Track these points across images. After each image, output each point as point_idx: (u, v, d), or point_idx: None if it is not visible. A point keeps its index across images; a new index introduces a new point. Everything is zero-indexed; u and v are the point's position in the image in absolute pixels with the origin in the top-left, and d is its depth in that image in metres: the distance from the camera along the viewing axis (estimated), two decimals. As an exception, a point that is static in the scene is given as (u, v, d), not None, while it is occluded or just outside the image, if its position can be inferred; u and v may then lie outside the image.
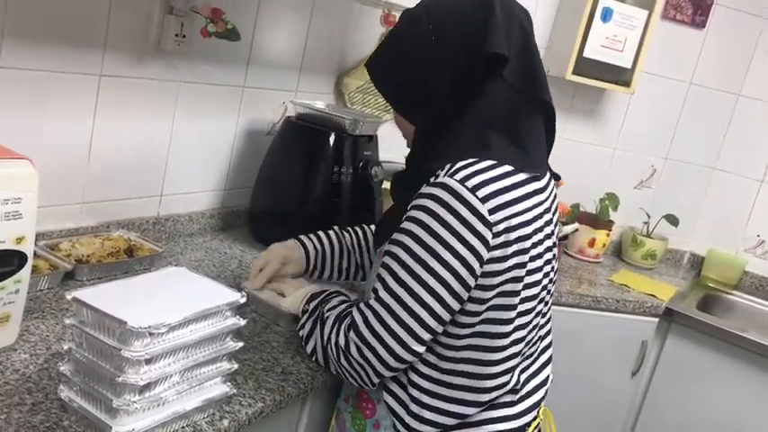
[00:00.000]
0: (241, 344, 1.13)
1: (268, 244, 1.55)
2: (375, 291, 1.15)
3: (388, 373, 1.17)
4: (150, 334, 0.96)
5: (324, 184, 1.84)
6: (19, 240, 1.09)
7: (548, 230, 1.22)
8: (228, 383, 1.14)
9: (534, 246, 1.17)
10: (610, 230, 2.71)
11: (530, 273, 1.17)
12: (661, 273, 2.82)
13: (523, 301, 1.18)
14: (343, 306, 1.27)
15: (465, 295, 1.12)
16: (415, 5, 1.23)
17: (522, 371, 1.27)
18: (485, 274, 1.12)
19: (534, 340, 1.28)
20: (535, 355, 1.31)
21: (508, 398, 1.24)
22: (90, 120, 1.59)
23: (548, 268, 1.24)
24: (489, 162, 1.12)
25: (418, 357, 1.16)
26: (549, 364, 1.36)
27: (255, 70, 1.95)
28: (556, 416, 1.44)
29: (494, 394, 1.21)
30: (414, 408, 1.21)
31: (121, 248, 1.59)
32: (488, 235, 1.09)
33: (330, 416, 1.44)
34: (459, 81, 1.16)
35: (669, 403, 2.46)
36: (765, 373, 2.30)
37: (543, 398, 1.34)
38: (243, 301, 1.11)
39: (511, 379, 1.23)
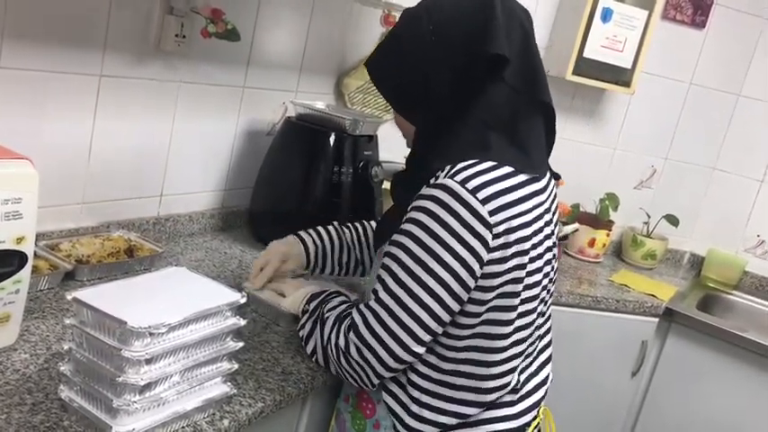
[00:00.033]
0: (241, 344, 1.14)
1: (268, 244, 1.55)
2: (375, 292, 1.15)
3: (387, 374, 1.17)
4: (150, 334, 0.96)
5: (324, 185, 1.84)
6: (19, 240, 1.09)
7: (548, 231, 1.22)
8: (229, 383, 1.14)
9: (534, 247, 1.17)
10: (610, 230, 2.71)
11: (530, 274, 1.17)
12: (661, 273, 2.82)
13: (524, 301, 1.18)
14: (344, 307, 1.27)
15: (465, 296, 1.12)
16: (415, 5, 1.23)
17: (522, 370, 1.27)
18: (484, 276, 1.12)
19: (534, 340, 1.28)
20: (534, 354, 1.31)
21: (508, 397, 1.24)
22: (90, 120, 1.59)
23: (548, 268, 1.25)
24: (490, 163, 1.12)
25: (418, 358, 1.16)
26: (548, 363, 1.36)
27: (255, 70, 1.95)
28: (556, 416, 1.44)
29: (496, 394, 1.21)
30: (414, 408, 1.21)
31: (122, 249, 1.59)
32: (488, 236, 1.09)
33: (330, 416, 1.44)
34: (459, 81, 1.16)
35: (669, 403, 2.46)
36: (765, 373, 2.30)
37: (543, 397, 1.34)
38: (243, 301, 1.11)
39: (512, 379, 1.23)
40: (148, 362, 0.97)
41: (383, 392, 1.24)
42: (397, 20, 1.27)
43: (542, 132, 1.24)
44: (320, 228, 1.56)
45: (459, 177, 1.09)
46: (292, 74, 2.08)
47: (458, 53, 1.16)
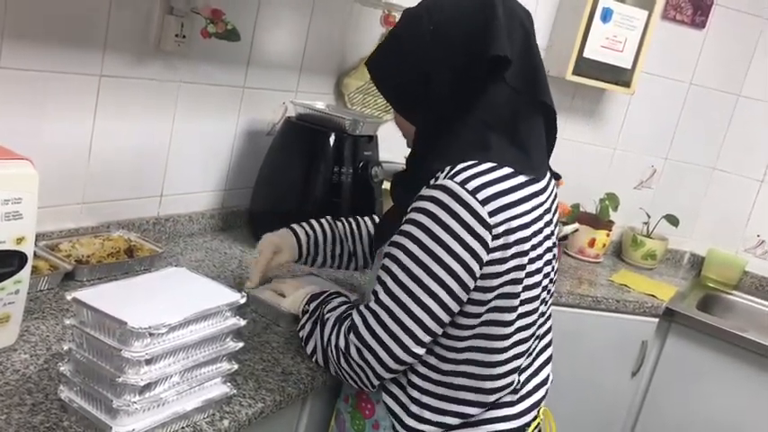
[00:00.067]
0: (241, 344, 1.13)
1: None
2: (375, 293, 1.15)
3: (387, 375, 1.17)
4: (150, 334, 0.96)
5: (324, 185, 1.84)
6: (19, 241, 1.09)
7: (547, 231, 1.22)
8: (228, 384, 1.14)
9: (534, 248, 1.17)
10: (610, 231, 2.71)
11: (529, 274, 1.17)
12: (661, 273, 2.82)
13: (524, 302, 1.18)
14: (344, 308, 1.27)
15: (464, 297, 1.12)
16: (415, 5, 1.23)
17: (522, 370, 1.27)
18: (484, 276, 1.12)
19: (534, 340, 1.28)
20: (535, 354, 1.31)
21: (508, 398, 1.24)
22: (90, 120, 1.59)
23: (548, 269, 1.25)
24: (490, 164, 1.12)
25: (418, 359, 1.16)
26: (548, 363, 1.36)
27: (255, 71, 1.95)
28: (556, 416, 1.44)
29: (498, 394, 1.21)
30: (414, 408, 1.21)
31: (121, 249, 1.59)
32: (488, 237, 1.09)
33: (330, 416, 1.44)
34: (459, 81, 1.16)
35: (669, 403, 2.46)
36: (765, 373, 2.30)
37: (543, 398, 1.34)
38: (243, 301, 1.11)
39: (513, 379, 1.23)
40: (148, 362, 0.97)
41: (383, 393, 1.24)
42: (397, 20, 1.27)
43: (543, 133, 1.24)
44: (313, 220, 1.57)
45: (459, 178, 1.09)
46: (292, 74, 2.08)
47: (458, 53, 1.16)
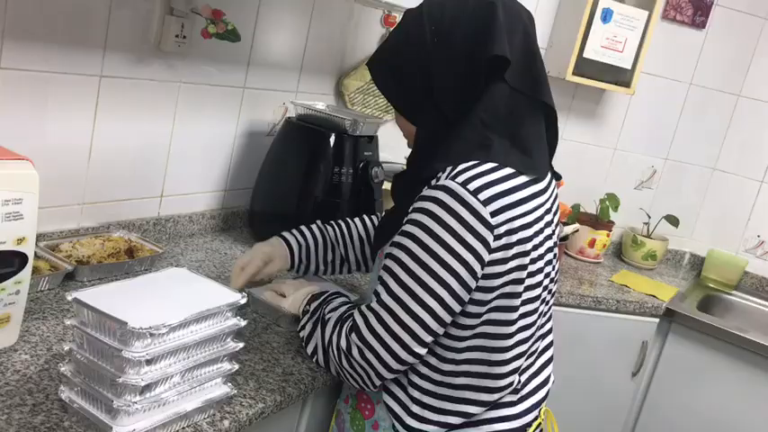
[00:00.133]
0: (241, 344, 1.13)
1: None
2: (376, 293, 1.15)
3: (389, 375, 1.17)
4: (151, 335, 0.96)
5: (324, 185, 1.84)
6: (19, 241, 1.09)
7: (548, 231, 1.22)
8: (229, 384, 1.14)
9: (535, 248, 1.17)
10: (610, 231, 2.71)
11: (531, 274, 1.17)
12: (661, 273, 2.82)
13: (525, 302, 1.18)
14: (345, 308, 1.27)
15: (466, 297, 1.12)
16: (416, 6, 1.23)
17: (523, 371, 1.27)
18: (486, 276, 1.12)
19: (535, 340, 1.28)
20: (536, 354, 1.31)
21: (509, 398, 1.24)
22: (90, 120, 1.59)
23: (549, 269, 1.25)
24: (491, 164, 1.12)
25: (420, 359, 1.16)
26: (549, 363, 1.36)
27: (256, 71, 1.95)
28: (556, 416, 1.44)
29: (500, 394, 1.21)
30: (414, 408, 1.21)
31: (122, 249, 1.59)
32: (490, 237, 1.09)
33: (330, 416, 1.44)
34: (460, 82, 1.16)
35: (669, 403, 2.46)
36: (765, 373, 2.30)
37: (545, 398, 1.34)
38: (243, 301, 1.11)
39: (514, 379, 1.23)
40: (149, 362, 0.97)
41: (383, 393, 1.24)
42: (397, 20, 1.27)
43: (543, 133, 1.24)
44: (303, 227, 1.56)
45: (461, 179, 1.09)
46: (292, 74, 2.08)
47: (459, 54, 1.16)
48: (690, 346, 2.41)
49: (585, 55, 2.54)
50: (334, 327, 1.22)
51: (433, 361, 1.19)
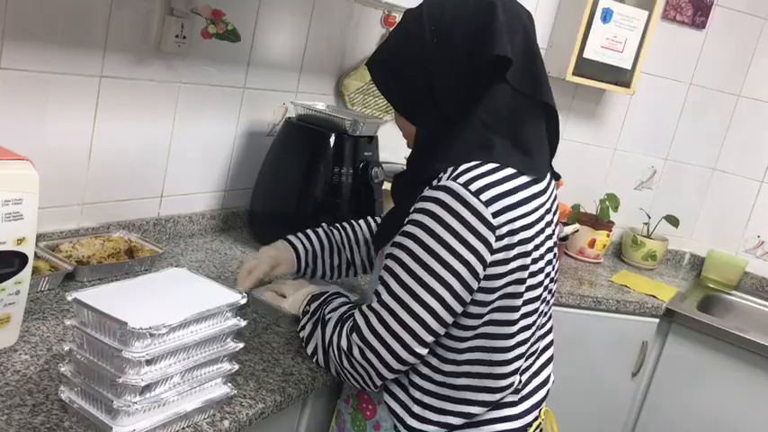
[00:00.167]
0: (241, 345, 1.13)
1: (268, 245, 1.55)
2: (377, 294, 1.15)
3: (390, 375, 1.17)
4: (151, 335, 0.96)
5: (324, 186, 1.84)
6: (19, 241, 1.09)
7: (549, 231, 1.22)
8: (229, 384, 1.14)
9: (536, 248, 1.17)
10: (610, 231, 2.71)
11: (532, 275, 1.17)
12: (661, 273, 2.82)
13: (526, 302, 1.18)
14: (345, 308, 1.27)
15: (467, 298, 1.12)
16: (416, 5, 1.23)
17: (524, 371, 1.27)
18: (487, 277, 1.12)
19: (535, 340, 1.28)
20: (536, 354, 1.31)
21: (510, 398, 1.24)
22: (90, 121, 1.59)
23: (549, 269, 1.25)
24: (492, 165, 1.12)
25: (421, 359, 1.16)
26: (549, 363, 1.36)
27: (256, 71, 1.95)
28: (556, 416, 1.44)
29: (502, 394, 1.21)
30: (416, 409, 1.21)
31: (122, 249, 1.59)
32: (491, 238, 1.09)
33: (330, 417, 1.44)
34: (460, 82, 1.16)
35: (669, 403, 2.46)
36: (765, 373, 2.30)
37: (545, 398, 1.34)
38: (243, 302, 1.11)
39: (515, 379, 1.23)
40: (149, 363, 0.97)
41: (384, 393, 1.24)
42: (397, 20, 1.27)
43: (544, 133, 1.24)
44: (310, 231, 1.56)
45: (463, 179, 1.09)
46: (292, 74, 2.08)
47: (459, 54, 1.16)
48: (690, 347, 2.41)
49: (585, 55, 2.54)
50: (335, 327, 1.22)
51: (434, 361, 1.19)
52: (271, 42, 1.97)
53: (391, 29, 1.79)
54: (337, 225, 1.59)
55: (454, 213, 1.08)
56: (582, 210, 2.69)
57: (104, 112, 1.60)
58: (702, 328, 2.38)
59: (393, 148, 1.99)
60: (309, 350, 1.29)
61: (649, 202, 2.90)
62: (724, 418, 2.36)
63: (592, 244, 2.68)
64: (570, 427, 1.82)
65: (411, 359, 1.14)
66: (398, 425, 1.22)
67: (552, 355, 1.37)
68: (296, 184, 1.86)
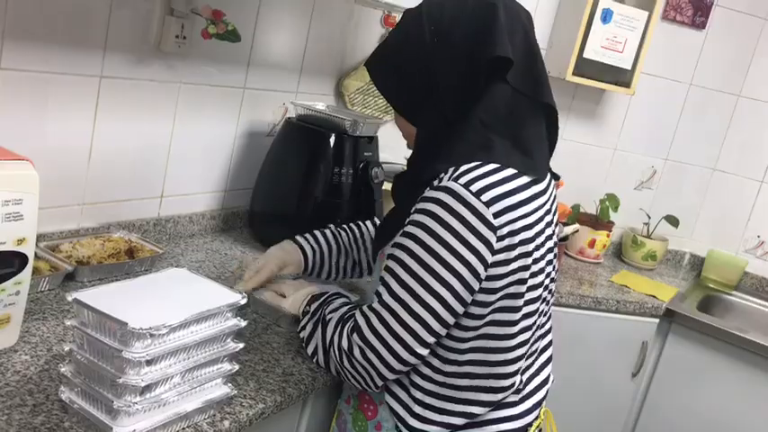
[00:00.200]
0: (242, 345, 1.13)
1: (268, 245, 1.54)
2: (378, 294, 1.15)
3: (391, 376, 1.17)
4: (151, 335, 0.96)
5: (324, 186, 1.84)
6: (20, 242, 1.09)
7: (548, 232, 1.22)
8: (229, 384, 1.14)
9: (537, 248, 1.17)
10: (610, 231, 2.71)
11: (533, 275, 1.17)
12: (661, 273, 2.82)
13: (528, 303, 1.18)
14: (346, 308, 1.27)
15: (469, 299, 1.12)
16: (416, 6, 1.23)
17: (524, 370, 1.27)
18: (489, 278, 1.12)
19: (535, 340, 1.28)
20: (536, 354, 1.31)
21: (511, 398, 1.24)
22: (90, 121, 1.59)
23: (549, 269, 1.25)
24: (493, 165, 1.12)
25: (421, 360, 1.16)
26: (549, 363, 1.36)
27: (256, 71, 1.95)
28: (556, 416, 1.44)
29: (504, 394, 1.21)
30: (417, 409, 1.21)
31: (122, 250, 1.59)
32: (493, 239, 1.09)
33: (331, 417, 1.44)
34: (461, 82, 1.16)
35: (669, 404, 2.46)
36: (765, 373, 2.30)
37: (544, 398, 1.34)
38: (243, 302, 1.11)
39: (517, 379, 1.23)
40: (149, 363, 0.97)
41: (385, 394, 1.24)
42: (397, 21, 1.27)
43: (544, 134, 1.24)
44: (317, 232, 1.55)
45: (464, 180, 1.09)
46: (292, 75, 2.08)
47: (459, 53, 1.16)
48: (690, 347, 2.41)
49: (585, 55, 2.54)
50: (336, 327, 1.22)
51: (435, 362, 1.19)
52: (271, 43, 1.97)
53: (391, 29, 1.79)
54: (344, 226, 1.58)
55: (455, 214, 1.08)
56: (582, 210, 2.69)
57: (104, 113, 1.60)
58: (702, 328, 2.38)
59: (393, 148, 1.99)
60: (310, 350, 1.29)
61: (649, 203, 2.90)
62: (724, 418, 2.36)
63: (592, 244, 2.68)
64: (570, 427, 1.82)
65: (412, 359, 1.14)
66: (400, 425, 1.22)
67: (551, 355, 1.37)
68: (296, 184, 1.86)
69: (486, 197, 1.08)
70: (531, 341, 1.24)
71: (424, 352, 1.14)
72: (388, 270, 1.14)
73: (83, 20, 1.50)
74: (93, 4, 1.51)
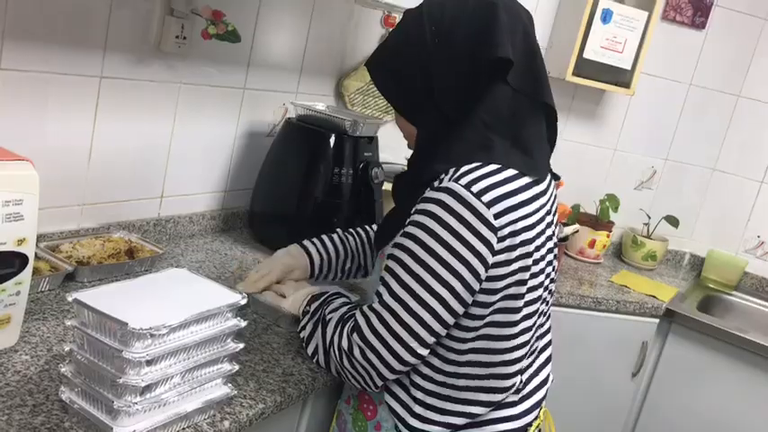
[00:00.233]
0: (242, 345, 1.13)
1: (268, 245, 1.54)
2: (379, 294, 1.15)
3: (391, 376, 1.17)
4: (151, 335, 0.96)
5: (324, 186, 1.84)
6: (20, 242, 1.09)
7: (549, 232, 1.22)
8: (229, 385, 1.14)
9: (537, 249, 1.17)
10: (610, 231, 2.71)
11: (533, 275, 1.17)
12: (661, 274, 2.82)
13: (528, 303, 1.18)
14: (346, 308, 1.27)
15: (469, 299, 1.12)
16: (416, 6, 1.23)
17: (524, 370, 1.27)
18: (489, 278, 1.12)
19: (535, 340, 1.28)
20: (535, 354, 1.31)
21: (511, 398, 1.24)
22: (91, 121, 1.59)
23: (549, 269, 1.25)
24: (493, 166, 1.12)
25: (421, 360, 1.16)
26: (548, 363, 1.36)
27: (256, 72, 1.95)
28: (556, 417, 1.44)
29: (504, 394, 1.21)
30: (417, 409, 1.21)
31: (122, 250, 1.59)
32: (493, 239, 1.09)
33: (331, 417, 1.44)
34: (461, 82, 1.16)
35: (669, 404, 2.46)
36: (765, 374, 2.30)
37: (544, 398, 1.34)
38: (243, 302, 1.11)
39: (517, 379, 1.23)
40: (149, 363, 0.97)
41: (385, 394, 1.24)
42: (397, 21, 1.27)
43: (544, 134, 1.24)
44: (325, 237, 1.55)
45: (464, 180, 1.09)
46: (292, 75, 2.08)
47: (460, 54, 1.16)
48: (690, 347, 2.41)
49: (585, 55, 2.54)
50: (336, 327, 1.22)
51: (435, 362, 1.19)
52: (271, 43, 1.97)
53: (391, 29, 1.79)
54: (351, 230, 1.58)
55: (456, 215, 1.08)
56: (582, 210, 2.69)
57: (104, 113, 1.60)
58: (702, 328, 2.38)
59: (393, 148, 1.99)
60: (310, 350, 1.29)
61: (649, 203, 2.90)
62: (724, 418, 2.36)
63: (592, 244, 2.68)
64: (570, 427, 1.82)
65: (412, 360, 1.14)
66: (400, 425, 1.22)
67: (551, 355, 1.37)
68: (296, 184, 1.86)
69: (487, 198, 1.08)
70: (530, 341, 1.24)
71: (425, 352, 1.14)
72: (389, 270, 1.14)
73: (83, 20, 1.50)
74: (93, 4, 1.51)
